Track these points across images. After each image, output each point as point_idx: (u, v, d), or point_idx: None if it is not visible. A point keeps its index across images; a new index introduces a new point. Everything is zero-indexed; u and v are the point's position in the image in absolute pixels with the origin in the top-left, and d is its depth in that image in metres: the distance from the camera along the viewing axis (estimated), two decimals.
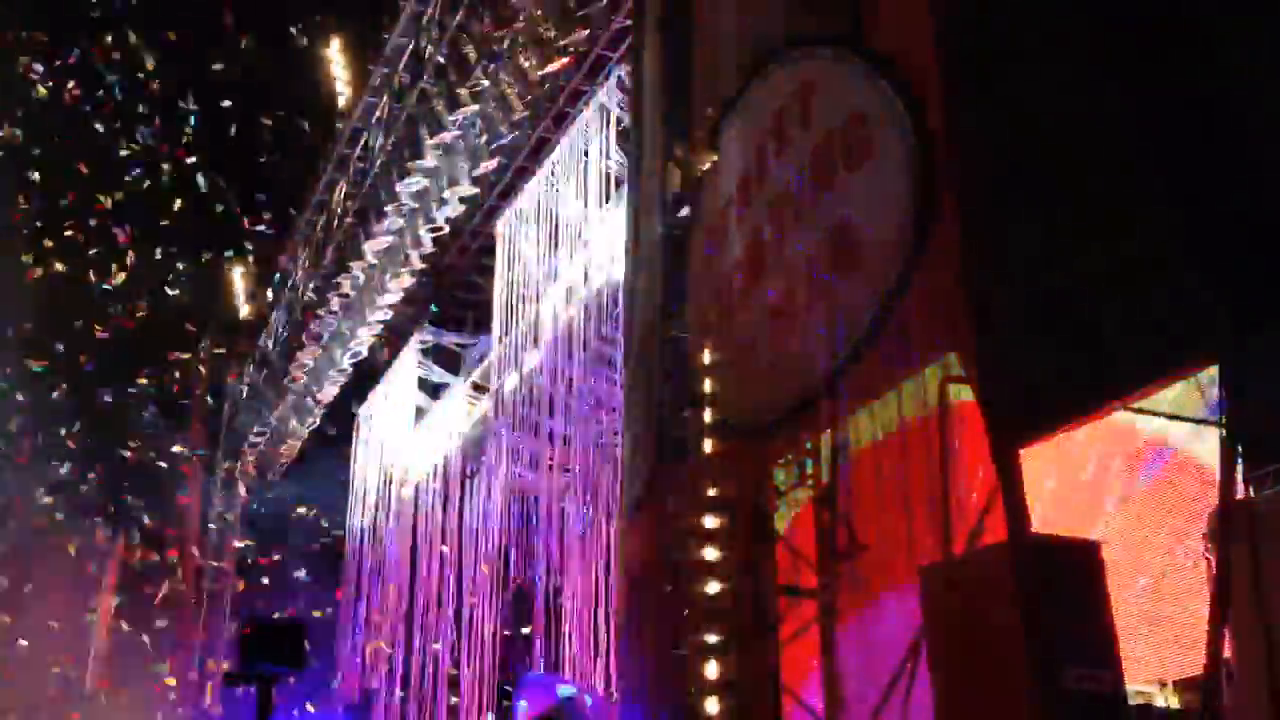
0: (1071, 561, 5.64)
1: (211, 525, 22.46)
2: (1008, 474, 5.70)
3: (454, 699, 16.45)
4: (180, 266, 21.75)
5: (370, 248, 16.07)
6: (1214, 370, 5.47)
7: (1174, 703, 6.20)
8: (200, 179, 21.29)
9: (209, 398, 22.80)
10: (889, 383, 7.83)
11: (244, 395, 21.89)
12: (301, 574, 20.76)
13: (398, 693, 17.51)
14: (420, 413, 18.70)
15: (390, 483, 18.92)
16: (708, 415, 7.22)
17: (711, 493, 6.96)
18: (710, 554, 6.88)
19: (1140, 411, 6.90)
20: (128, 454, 21.30)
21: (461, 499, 17.40)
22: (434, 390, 18.73)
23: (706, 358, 7.54)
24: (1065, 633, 5.38)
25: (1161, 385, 6.02)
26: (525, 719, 11.94)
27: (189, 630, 21.88)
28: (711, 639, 6.72)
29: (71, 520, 21.19)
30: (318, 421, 20.57)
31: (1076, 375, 5.63)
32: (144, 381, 21.29)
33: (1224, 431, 5.49)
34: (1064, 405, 5.74)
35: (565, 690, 12.46)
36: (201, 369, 22.63)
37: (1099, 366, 5.57)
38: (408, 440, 18.55)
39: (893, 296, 7.09)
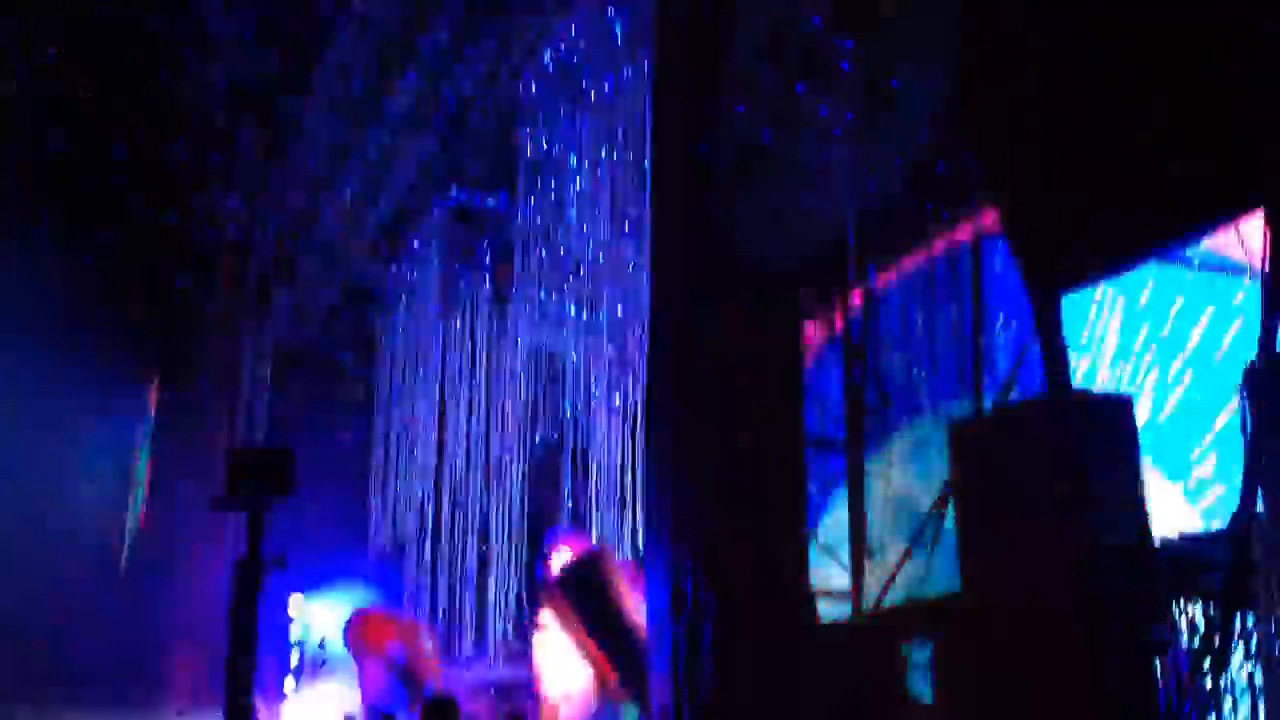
0: (1109, 415, 5.60)
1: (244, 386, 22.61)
2: (1048, 322, 5.60)
3: (483, 547, 16.75)
4: None
5: None
6: (1258, 218, 5.32)
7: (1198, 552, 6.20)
8: None
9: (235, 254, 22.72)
10: (920, 239, 7.74)
11: (269, 259, 21.83)
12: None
13: (429, 545, 17.82)
14: (445, 274, 18.63)
15: (416, 344, 18.96)
16: (736, 267, 7.13)
17: (739, 346, 6.91)
18: (736, 407, 6.86)
19: (1180, 261, 6.77)
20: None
21: (488, 359, 17.45)
22: (459, 252, 18.62)
23: (734, 215, 7.42)
24: (1101, 486, 5.36)
25: (1204, 233, 5.87)
26: (562, 565, 12.12)
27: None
28: (736, 491, 6.75)
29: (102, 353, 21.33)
30: (345, 283, 20.53)
31: (1117, 222, 5.50)
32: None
33: (1266, 282, 5.36)
34: (1105, 251, 5.62)
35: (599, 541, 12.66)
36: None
37: (1141, 213, 5.44)
38: (432, 302, 18.52)
39: (927, 148, 6.95)
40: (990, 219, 7.07)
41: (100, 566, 21.19)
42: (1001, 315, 7.75)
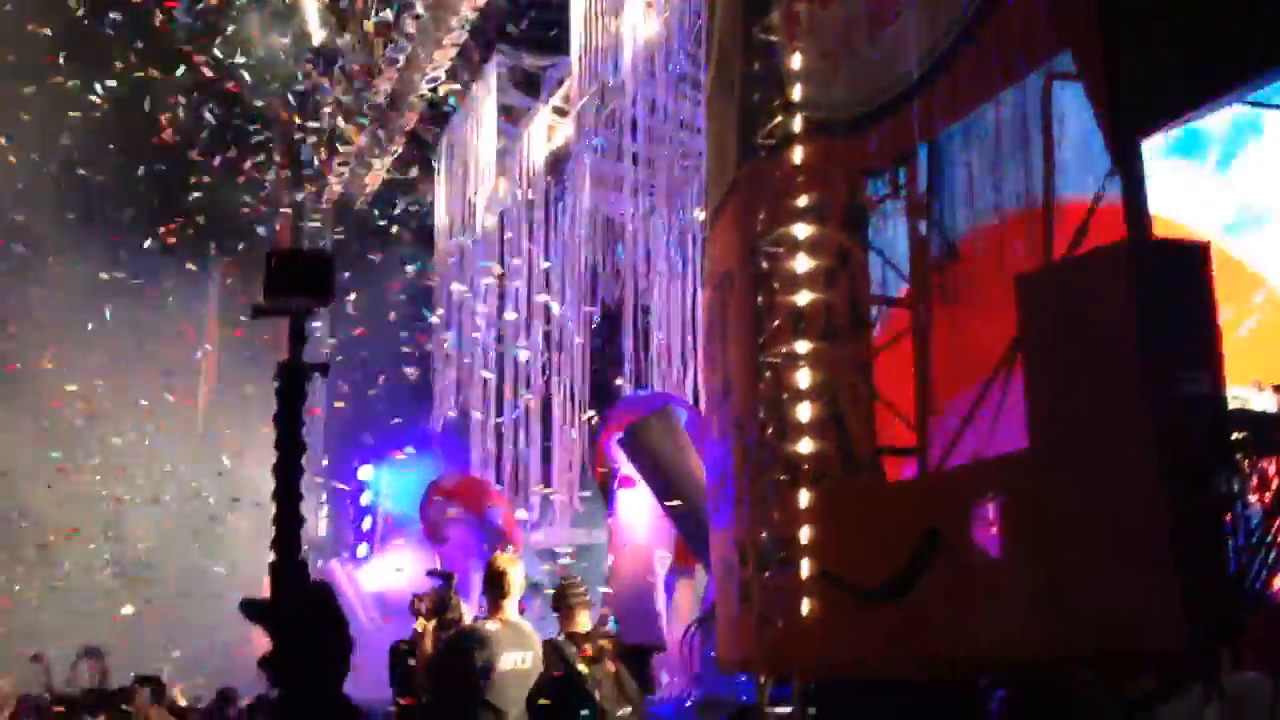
0: (1186, 262, 5.40)
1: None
2: (1128, 165, 5.36)
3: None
4: None
5: None
6: None
7: (1271, 406, 6.04)
8: None
9: (290, 132, 22.67)
10: (986, 87, 7.45)
11: (324, 125, 21.74)
12: (390, 316, 21.03)
13: (493, 412, 18.00)
14: (502, 139, 18.44)
15: (475, 211, 18.89)
16: (797, 122, 6.92)
17: (801, 201, 6.74)
18: (800, 263, 6.71)
19: (1267, 105, 6.46)
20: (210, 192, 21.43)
21: (547, 224, 17.36)
22: (515, 116, 18.40)
23: (795, 61, 7.17)
24: (1177, 335, 5.20)
25: None
26: (625, 426, 12.16)
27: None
28: (802, 348, 6.64)
29: (164, 260, 21.59)
30: (399, 149, 20.46)
31: (1202, 60, 5.21)
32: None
33: None
34: (1188, 91, 5.34)
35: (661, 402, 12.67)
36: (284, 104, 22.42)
37: (1226, 52, 5.14)
38: (490, 167, 18.39)
39: None
40: (1062, 60, 6.78)
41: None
42: (1072, 164, 7.49)
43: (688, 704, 9.04)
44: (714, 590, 11.31)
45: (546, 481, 17.06)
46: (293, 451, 4.84)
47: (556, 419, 16.72)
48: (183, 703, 10.81)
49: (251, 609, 4.50)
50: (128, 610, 21.96)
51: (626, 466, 12.77)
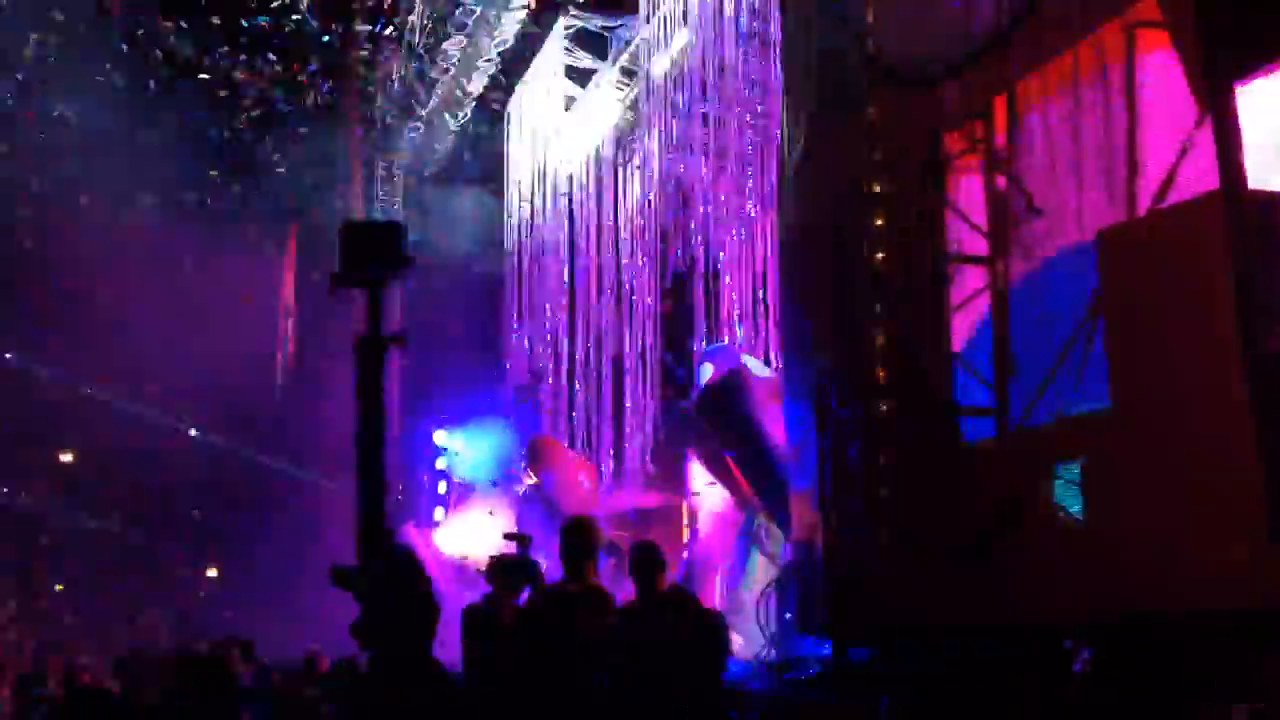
0: (1273, 214, 5.24)
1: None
2: (1222, 114, 5.20)
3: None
4: None
5: None
6: None
7: None
8: None
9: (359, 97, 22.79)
10: (1066, 38, 7.30)
11: (394, 91, 21.82)
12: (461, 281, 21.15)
13: (564, 375, 18.06)
14: (570, 102, 18.39)
15: (544, 175, 18.88)
16: (874, 76, 6.81)
17: (878, 156, 6.64)
18: (878, 220, 6.62)
19: None
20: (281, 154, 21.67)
21: (616, 187, 17.31)
22: (582, 77, 18.33)
23: (873, 14, 7.04)
24: (1266, 290, 5.06)
25: None
26: (700, 386, 12.14)
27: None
28: (875, 307, 6.56)
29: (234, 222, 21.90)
30: (469, 114, 20.48)
31: None
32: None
33: None
34: None
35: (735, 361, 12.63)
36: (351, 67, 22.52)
37: None
38: (559, 131, 18.35)
39: None
40: (1147, 10, 6.62)
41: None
42: (1154, 115, 7.32)
43: (764, 667, 9.03)
44: (791, 552, 11.31)
45: (618, 444, 17.11)
46: (375, 422, 4.88)
47: (628, 382, 16.74)
48: (266, 663, 11.02)
49: (341, 576, 4.55)
50: (212, 573, 22.52)
51: (699, 427, 12.76)
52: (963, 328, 7.44)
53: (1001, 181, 7.35)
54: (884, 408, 6.38)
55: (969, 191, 7.95)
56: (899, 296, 6.62)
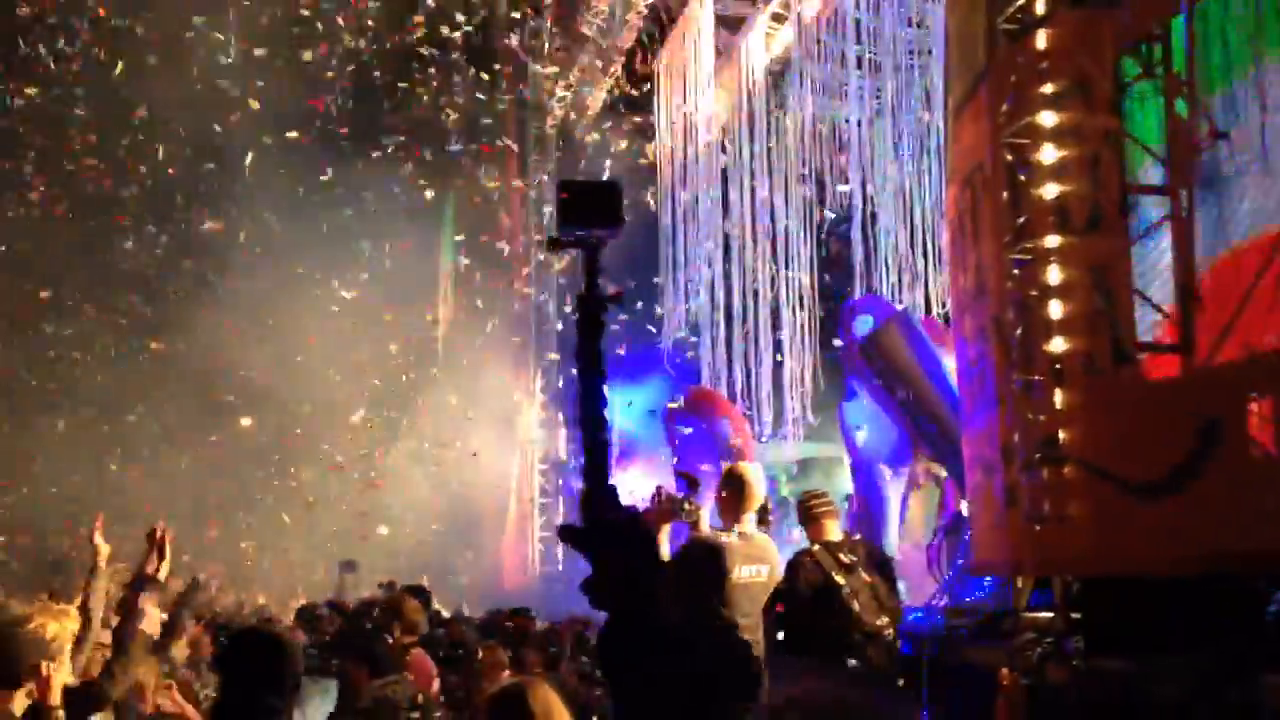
0: None
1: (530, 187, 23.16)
2: None
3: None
4: None
5: None
6: None
7: None
8: None
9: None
10: None
11: (543, 50, 21.96)
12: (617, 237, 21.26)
13: (722, 327, 18.04)
14: (720, 51, 18.24)
15: (695, 127, 18.79)
16: (1043, 2, 6.56)
17: (1049, 87, 6.39)
18: (1050, 153, 6.40)
19: None
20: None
21: (768, 134, 17.14)
22: (732, 26, 18.15)
23: None
24: None
25: None
26: (863, 334, 11.99)
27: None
28: (1053, 242, 6.35)
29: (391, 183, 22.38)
30: (619, 71, 20.50)
31: None
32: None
33: None
34: None
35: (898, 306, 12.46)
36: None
37: None
38: (710, 81, 18.22)
39: None
40: None
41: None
42: None
43: (937, 613, 8.92)
44: (953, 497, 11.13)
45: (777, 395, 17.04)
46: (595, 380, 4.94)
47: (785, 333, 16.64)
48: (447, 614, 11.32)
49: (569, 534, 4.63)
50: (383, 530, 23.21)
51: (861, 376, 12.62)
52: (1140, 259, 7.17)
53: (1180, 105, 7.03)
54: (1065, 344, 6.18)
55: (1145, 117, 7.63)
56: (1078, 230, 6.39)
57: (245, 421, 22.59)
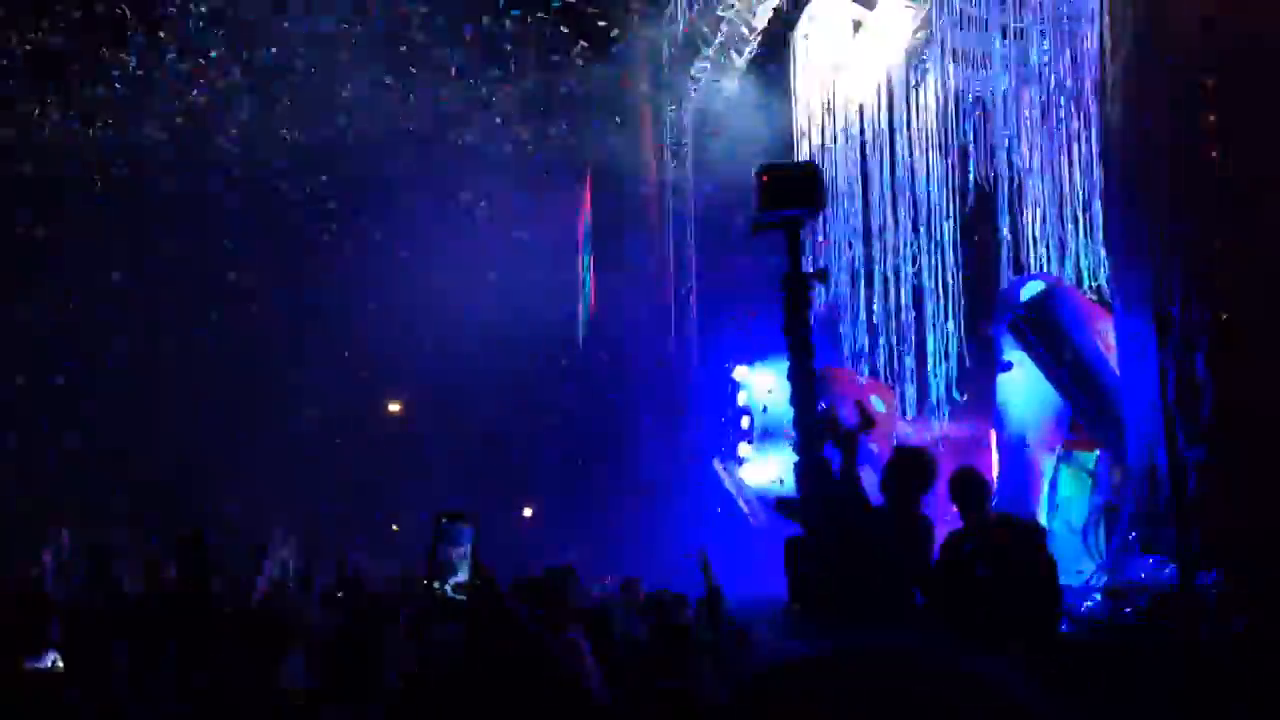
0: None
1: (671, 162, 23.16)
2: None
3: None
4: None
5: None
6: None
7: None
8: None
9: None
10: None
11: (678, 37, 21.92)
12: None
13: (863, 303, 17.82)
14: (856, 26, 17.97)
15: (833, 103, 18.54)
16: None
17: (1219, 46, 6.14)
18: (1217, 116, 6.14)
19: None
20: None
21: (909, 109, 16.84)
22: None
23: None
24: None
25: None
26: (1016, 309, 11.75)
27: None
28: (1222, 207, 6.11)
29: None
30: (755, 49, 20.35)
31: None
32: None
33: None
34: None
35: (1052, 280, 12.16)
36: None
37: None
38: (846, 57, 17.96)
39: None
40: None
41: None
42: None
43: (1098, 592, 8.68)
44: (1109, 475, 10.81)
45: (920, 373, 16.78)
46: (803, 356, 5.03)
47: (929, 309, 16.37)
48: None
49: (786, 506, 4.74)
50: (527, 513, 23.54)
51: (1011, 352, 12.36)
52: None
53: None
54: (1239, 308, 5.96)
55: None
56: (1243, 198, 6.14)
57: None
